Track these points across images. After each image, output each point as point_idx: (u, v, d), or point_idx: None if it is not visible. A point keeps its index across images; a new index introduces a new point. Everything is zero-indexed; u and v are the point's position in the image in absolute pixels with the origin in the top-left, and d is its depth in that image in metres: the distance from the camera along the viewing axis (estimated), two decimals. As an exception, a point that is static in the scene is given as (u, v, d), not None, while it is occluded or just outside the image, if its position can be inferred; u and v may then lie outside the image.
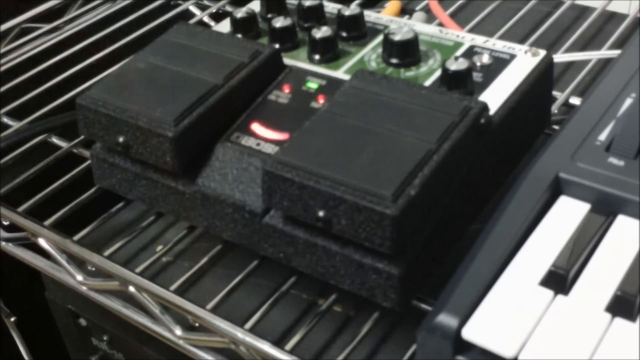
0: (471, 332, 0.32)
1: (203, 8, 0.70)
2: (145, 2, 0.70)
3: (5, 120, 0.57)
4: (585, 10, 0.68)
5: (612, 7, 0.66)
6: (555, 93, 0.53)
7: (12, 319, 0.58)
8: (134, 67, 0.47)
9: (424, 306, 0.40)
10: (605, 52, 0.54)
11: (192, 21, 0.67)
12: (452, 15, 0.64)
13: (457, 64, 0.43)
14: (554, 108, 0.52)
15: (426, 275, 0.40)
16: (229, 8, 0.69)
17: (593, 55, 0.55)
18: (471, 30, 0.60)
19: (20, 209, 0.49)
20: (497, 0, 0.64)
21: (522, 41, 0.61)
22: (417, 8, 0.65)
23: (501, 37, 0.58)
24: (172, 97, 0.44)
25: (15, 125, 0.56)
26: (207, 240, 0.46)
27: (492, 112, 0.42)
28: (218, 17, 0.68)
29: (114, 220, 0.51)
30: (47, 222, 0.48)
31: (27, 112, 0.57)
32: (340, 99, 0.42)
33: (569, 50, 0.57)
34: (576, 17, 0.67)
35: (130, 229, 0.48)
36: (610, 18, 0.67)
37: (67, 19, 0.69)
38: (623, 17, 0.65)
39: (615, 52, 0.53)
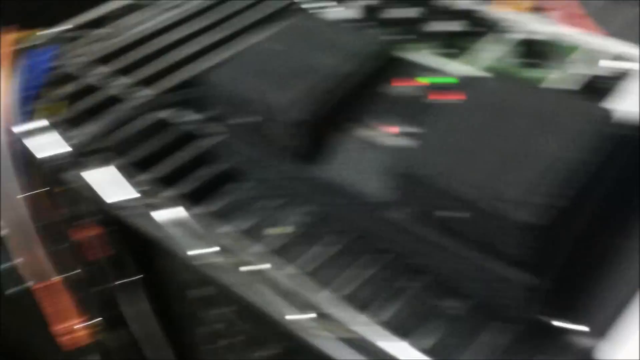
0: (611, 354, 0.31)
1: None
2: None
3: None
4: None
5: None
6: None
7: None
8: (259, 52, 0.48)
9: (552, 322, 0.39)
10: None
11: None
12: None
13: (592, 70, 0.43)
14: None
15: (567, 290, 0.39)
16: None
17: None
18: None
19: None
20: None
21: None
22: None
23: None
24: (294, 84, 0.45)
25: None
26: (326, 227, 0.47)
27: (634, 120, 0.42)
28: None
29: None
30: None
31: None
32: (469, 100, 0.41)
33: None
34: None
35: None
36: None
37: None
38: None
39: None
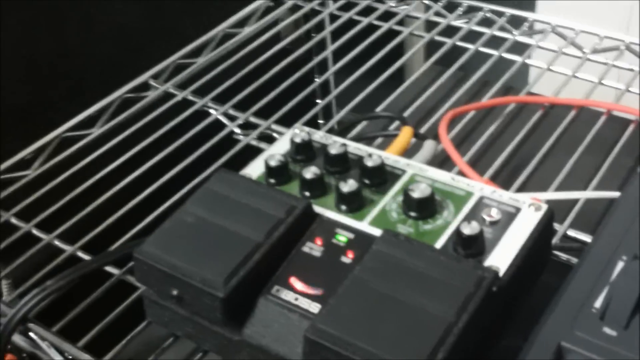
0: None
1: (232, 118, 0.76)
2: (174, 113, 0.77)
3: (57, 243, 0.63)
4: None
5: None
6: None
7: None
8: (182, 221, 0.53)
9: None
10: (602, 193, 0.59)
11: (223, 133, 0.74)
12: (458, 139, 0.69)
13: (470, 228, 0.49)
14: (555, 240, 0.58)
15: None
16: (252, 119, 0.76)
17: (591, 195, 0.60)
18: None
19: (80, 343, 0.55)
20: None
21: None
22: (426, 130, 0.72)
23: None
24: (219, 255, 0.50)
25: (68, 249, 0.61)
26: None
27: (501, 273, 0.48)
28: (245, 126, 0.75)
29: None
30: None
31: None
32: (368, 264, 0.48)
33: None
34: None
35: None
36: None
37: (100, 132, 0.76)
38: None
39: (614, 194, 0.57)
